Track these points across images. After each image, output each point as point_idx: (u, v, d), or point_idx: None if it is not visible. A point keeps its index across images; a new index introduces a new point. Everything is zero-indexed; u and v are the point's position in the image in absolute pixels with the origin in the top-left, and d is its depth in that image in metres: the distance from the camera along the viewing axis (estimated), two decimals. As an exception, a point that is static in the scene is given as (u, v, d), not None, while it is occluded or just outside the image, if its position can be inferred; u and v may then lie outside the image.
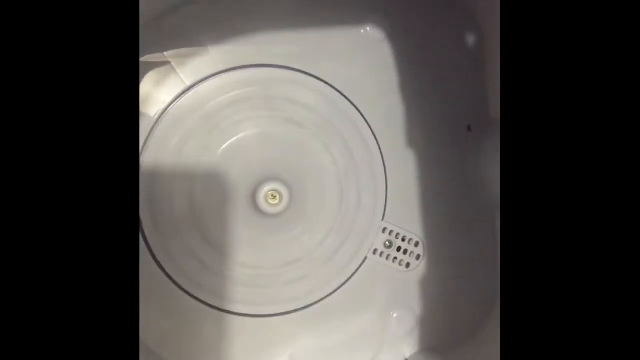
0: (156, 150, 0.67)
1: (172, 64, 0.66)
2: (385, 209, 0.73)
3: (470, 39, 0.73)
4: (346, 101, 0.72)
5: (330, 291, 0.72)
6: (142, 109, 0.66)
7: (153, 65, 0.66)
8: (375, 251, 0.73)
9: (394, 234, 0.73)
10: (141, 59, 0.65)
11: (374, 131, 0.73)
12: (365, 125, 0.72)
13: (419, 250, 0.74)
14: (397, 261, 0.73)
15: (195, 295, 0.68)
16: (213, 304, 0.69)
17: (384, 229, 0.73)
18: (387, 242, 0.73)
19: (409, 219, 0.74)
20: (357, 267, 0.73)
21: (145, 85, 0.66)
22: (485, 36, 0.73)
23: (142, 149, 0.66)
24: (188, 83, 0.67)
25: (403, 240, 0.73)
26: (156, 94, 0.66)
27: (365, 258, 0.73)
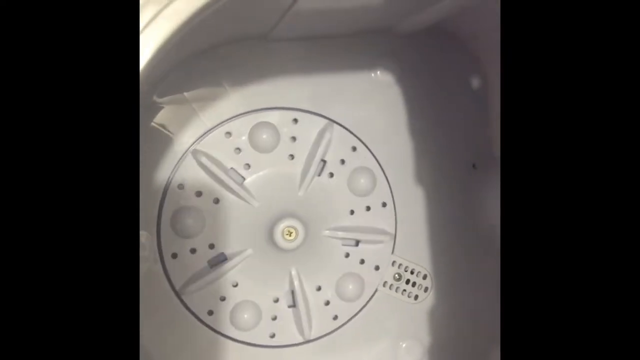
0: (179, 187, 0.70)
1: (194, 106, 0.70)
2: (394, 243, 0.77)
3: (475, 82, 0.77)
4: (358, 141, 0.75)
5: (343, 322, 0.75)
6: (166, 149, 0.69)
7: (177, 108, 0.69)
8: (385, 283, 0.76)
9: (403, 267, 0.77)
10: (166, 102, 0.69)
11: (384, 169, 0.76)
12: (376, 163, 0.76)
13: (427, 282, 0.77)
14: (406, 293, 0.77)
15: (213, 326, 0.71)
16: (229, 334, 0.72)
17: (394, 262, 0.77)
18: (396, 275, 0.77)
19: (417, 253, 0.77)
20: (368, 299, 0.76)
21: (170, 127, 0.69)
22: (489, 78, 0.77)
23: (166, 185, 0.69)
24: (209, 125, 0.71)
25: (412, 273, 0.77)
26: (180, 134, 0.70)
27: (376, 290, 0.76)
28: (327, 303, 0.75)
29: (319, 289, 0.75)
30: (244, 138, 0.72)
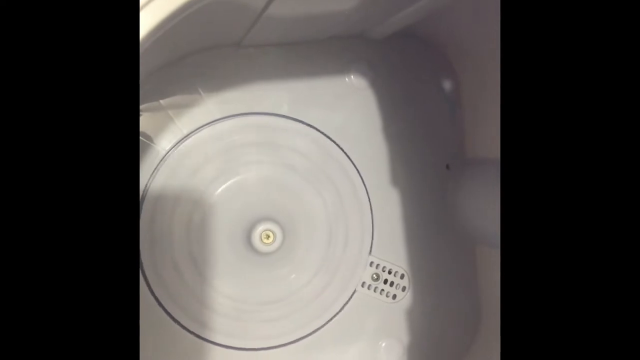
0: (156, 195, 0.71)
1: (170, 113, 0.71)
2: (372, 244, 0.78)
3: (448, 85, 0.79)
4: (333, 144, 0.77)
5: (322, 323, 0.76)
6: (142, 156, 0.70)
7: (153, 115, 0.70)
8: (363, 284, 0.77)
9: (380, 267, 0.78)
10: (142, 109, 0.69)
11: (360, 171, 0.78)
12: (352, 166, 0.77)
13: (405, 282, 0.78)
14: (384, 293, 0.78)
15: (197, 332, 0.72)
16: (213, 340, 0.72)
17: (371, 263, 0.78)
18: (374, 275, 0.78)
19: (394, 253, 0.78)
20: (346, 299, 0.77)
21: (147, 134, 0.70)
22: (461, 82, 0.79)
23: (143, 193, 0.70)
24: (185, 131, 0.71)
25: (389, 272, 0.78)
26: (156, 141, 0.71)
27: (355, 291, 0.77)
28: (307, 304, 0.76)
29: (299, 290, 0.76)
30: (219, 144, 0.73)
